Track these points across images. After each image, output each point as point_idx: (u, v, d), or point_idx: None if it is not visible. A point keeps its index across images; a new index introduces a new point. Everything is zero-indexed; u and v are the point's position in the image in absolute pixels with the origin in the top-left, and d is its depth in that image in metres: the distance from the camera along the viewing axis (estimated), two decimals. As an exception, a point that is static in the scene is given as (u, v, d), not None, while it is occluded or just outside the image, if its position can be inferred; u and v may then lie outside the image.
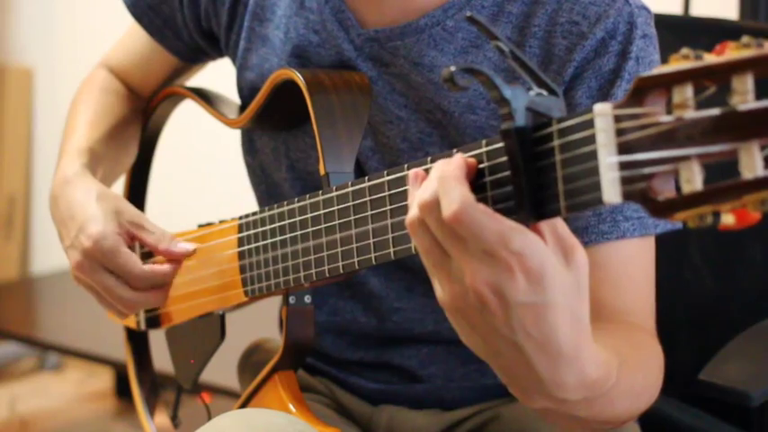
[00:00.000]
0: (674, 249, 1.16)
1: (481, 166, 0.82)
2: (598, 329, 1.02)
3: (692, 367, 1.27)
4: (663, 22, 1.14)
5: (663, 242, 1.12)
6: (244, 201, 1.48)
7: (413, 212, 0.80)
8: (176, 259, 1.17)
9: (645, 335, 1.06)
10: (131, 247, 1.17)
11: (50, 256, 3.29)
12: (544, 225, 0.78)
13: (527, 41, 1.10)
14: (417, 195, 0.79)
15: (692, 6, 2.00)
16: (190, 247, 1.17)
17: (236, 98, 1.30)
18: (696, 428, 1.39)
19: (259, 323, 1.59)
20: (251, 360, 1.34)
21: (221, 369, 1.37)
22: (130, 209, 1.17)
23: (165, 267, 1.16)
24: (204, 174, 3.10)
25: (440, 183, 0.77)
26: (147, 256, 1.24)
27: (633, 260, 1.09)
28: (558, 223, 0.78)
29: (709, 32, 1.51)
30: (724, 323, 1.43)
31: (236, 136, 1.32)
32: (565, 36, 1.08)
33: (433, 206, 0.78)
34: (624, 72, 1.07)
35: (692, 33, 1.51)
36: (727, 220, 0.67)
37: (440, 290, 0.81)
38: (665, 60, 0.71)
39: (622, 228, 1.07)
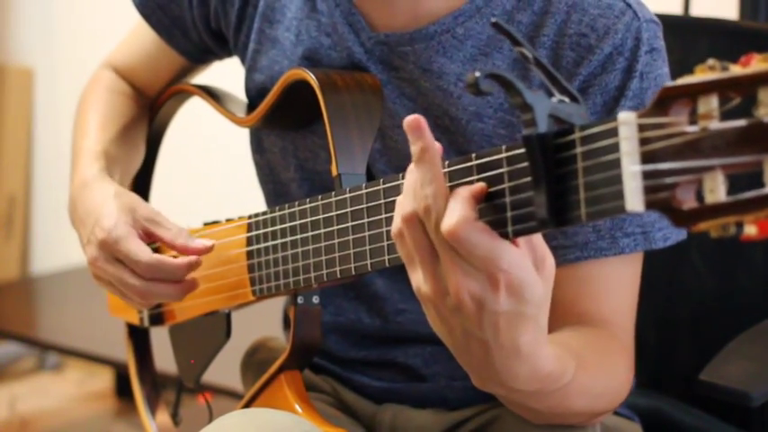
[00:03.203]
0: (674, 249, 1.16)
1: (500, 171, 0.82)
2: (568, 331, 1.04)
3: (692, 367, 1.27)
4: (663, 22, 1.14)
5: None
6: (248, 199, 1.48)
7: (409, 209, 0.82)
8: (193, 255, 1.16)
9: (617, 345, 1.08)
10: (146, 245, 1.17)
11: (50, 256, 3.27)
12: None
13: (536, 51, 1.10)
14: (419, 197, 0.81)
15: (692, 6, 2.00)
16: (207, 243, 1.15)
17: (241, 96, 1.30)
18: (696, 428, 1.40)
19: (262, 322, 1.59)
20: (254, 359, 1.34)
21: (223, 368, 1.37)
22: (146, 206, 1.18)
23: (176, 261, 1.14)
24: (208, 172, 3.09)
25: (451, 197, 0.80)
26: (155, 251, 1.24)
27: (621, 274, 1.10)
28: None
29: (709, 32, 1.52)
30: (724, 323, 1.43)
31: (241, 134, 1.32)
32: (573, 48, 1.09)
33: (430, 214, 0.81)
34: (628, 90, 1.08)
35: (692, 33, 1.51)
36: (750, 230, 0.67)
37: (419, 282, 0.84)
38: (674, 65, 0.71)
39: (621, 244, 1.08)
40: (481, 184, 0.82)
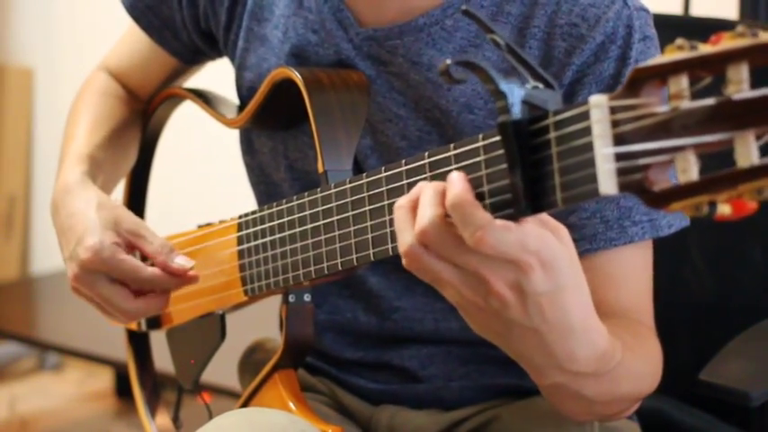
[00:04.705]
0: (674, 249, 1.16)
1: (478, 159, 0.82)
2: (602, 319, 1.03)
3: (692, 367, 1.27)
4: (663, 22, 1.14)
5: (663, 242, 1.12)
6: (243, 201, 1.48)
7: (410, 241, 0.83)
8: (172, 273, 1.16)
9: (644, 329, 1.09)
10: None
11: (50, 256, 3.28)
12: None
13: (527, 42, 1.10)
14: (418, 225, 0.82)
15: (692, 6, 2.00)
16: (188, 263, 1.15)
17: (234, 99, 1.30)
18: (696, 428, 1.39)
19: (259, 323, 1.59)
20: (251, 360, 1.34)
21: (221, 369, 1.37)
22: (130, 217, 1.17)
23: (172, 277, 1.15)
24: (204, 175, 3.10)
25: (456, 210, 0.80)
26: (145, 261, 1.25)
27: (635, 261, 1.10)
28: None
29: (709, 32, 1.51)
30: (724, 323, 1.42)
31: (235, 137, 1.32)
32: (564, 38, 1.09)
33: (438, 231, 0.81)
34: (623, 77, 1.07)
35: (691, 33, 1.50)
36: (724, 210, 0.67)
37: (456, 297, 0.85)
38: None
39: (630, 233, 1.08)
40: (456, 174, 0.81)
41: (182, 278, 1.15)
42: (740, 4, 1.95)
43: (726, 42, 0.65)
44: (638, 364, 1.00)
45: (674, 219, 1.11)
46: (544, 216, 0.82)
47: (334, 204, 1.02)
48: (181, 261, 1.15)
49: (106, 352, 2.49)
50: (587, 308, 0.87)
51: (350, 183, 1.00)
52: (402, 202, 0.85)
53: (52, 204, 1.23)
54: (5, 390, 3.02)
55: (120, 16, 1.37)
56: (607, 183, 0.72)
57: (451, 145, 0.86)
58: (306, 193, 1.06)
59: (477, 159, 0.82)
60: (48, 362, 3.18)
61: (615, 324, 1.01)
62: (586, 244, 1.08)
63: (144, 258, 1.24)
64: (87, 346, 2.56)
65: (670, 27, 1.18)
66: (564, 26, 1.09)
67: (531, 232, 0.80)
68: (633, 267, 1.10)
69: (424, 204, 0.82)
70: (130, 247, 1.16)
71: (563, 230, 0.84)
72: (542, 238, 0.81)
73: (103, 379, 3.10)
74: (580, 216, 1.09)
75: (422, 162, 0.89)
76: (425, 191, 0.83)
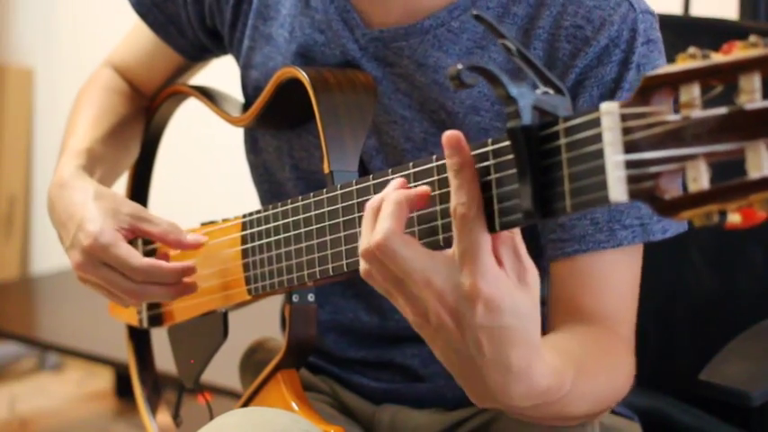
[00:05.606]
0: (674, 249, 1.16)
1: (486, 164, 0.82)
2: (566, 332, 1.03)
3: (692, 367, 1.27)
4: (663, 22, 1.14)
5: (663, 242, 1.12)
6: (247, 200, 1.48)
7: (366, 246, 0.84)
8: (187, 249, 1.17)
9: (617, 341, 1.07)
10: (132, 243, 1.16)
11: (50, 256, 3.29)
12: (503, 246, 0.82)
13: (532, 44, 1.10)
14: (374, 237, 0.84)
15: (692, 6, 2.00)
16: (201, 238, 1.16)
17: (238, 96, 1.30)
18: (696, 428, 1.39)
19: (260, 322, 1.59)
20: (252, 359, 1.34)
21: (222, 368, 1.37)
22: (128, 203, 1.17)
23: (169, 265, 1.14)
24: (206, 173, 3.10)
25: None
26: (151, 253, 1.24)
27: (620, 267, 1.09)
28: (518, 241, 0.83)
29: (709, 32, 1.52)
30: (724, 323, 1.43)
31: (239, 135, 1.32)
32: (569, 40, 1.08)
33: (391, 245, 0.83)
34: (625, 82, 1.07)
35: (692, 33, 1.51)
36: (734, 219, 0.67)
37: (400, 307, 0.86)
38: (671, 60, 0.71)
39: (619, 237, 1.07)
40: (419, 190, 0.84)
41: (183, 282, 1.15)
42: (740, 4, 1.95)
43: (738, 52, 0.65)
44: (596, 387, 0.99)
45: (670, 224, 1.09)
46: (520, 251, 0.82)
47: (340, 206, 1.02)
48: (194, 237, 1.16)
49: (106, 352, 2.49)
50: (532, 352, 0.84)
51: (356, 184, 1.00)
52: (372, 204, 0.86)
53: (48, 200, 1.23)
54: (5, 390, 3.02)
55: (121, 16, 1.38)
56: (617, 190, 0.71)
57: None
58: (311, 194, 1.06)
59: (486, 164, 0.82)
60: (48, 362, 3.18)
61: (582, 337, 1.02)
62: (575, 244, 1.08)
63: (147, 252, 1.24)
64: (87, 346, 2.56)
65: (670, 27, 1.18)
66: (569, 28, 1.08)
67: (480, 265, 0.80)
68: (618, 273, 1.09)
69: (382, 216, 0.84)
70: (133, 233, 1.16)
71: (530, 275, 0.83)
72: (492, 274, 0.80)
73: (103, 379, 3.11)
74: (570, 216, 1.08)
75: (429, 165, 0.89)
76: (387, 199, 0.84)
